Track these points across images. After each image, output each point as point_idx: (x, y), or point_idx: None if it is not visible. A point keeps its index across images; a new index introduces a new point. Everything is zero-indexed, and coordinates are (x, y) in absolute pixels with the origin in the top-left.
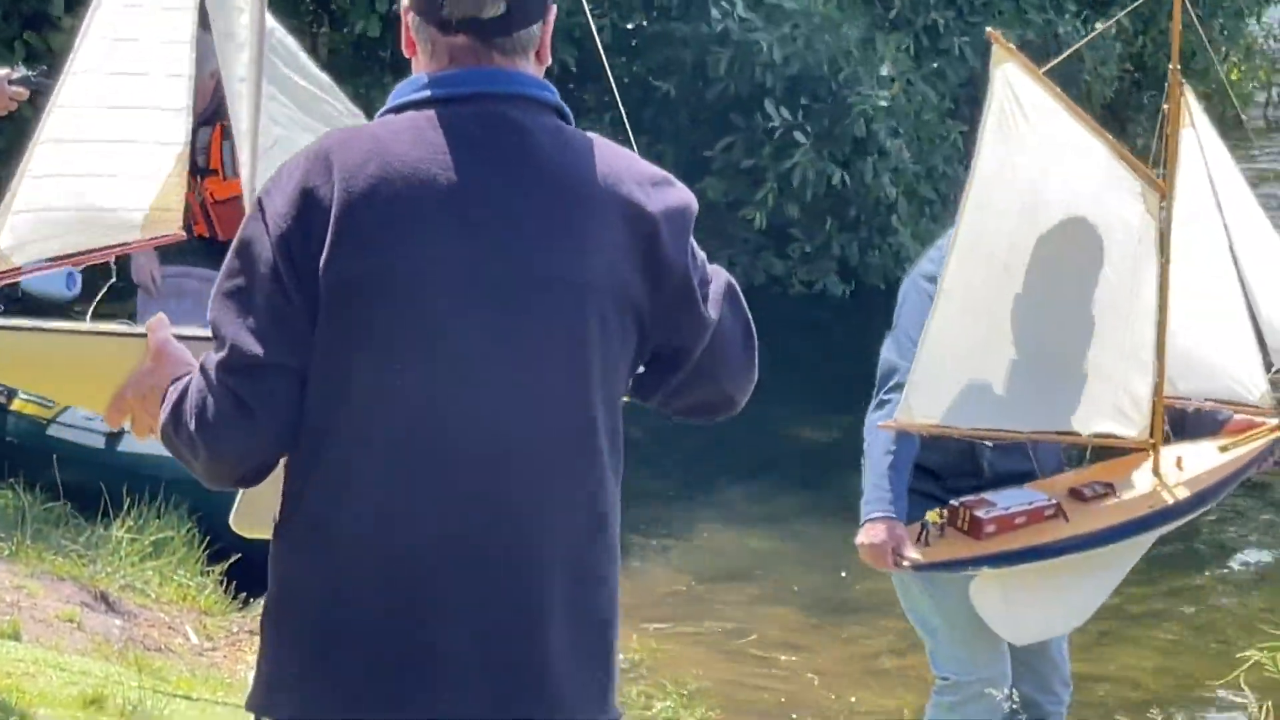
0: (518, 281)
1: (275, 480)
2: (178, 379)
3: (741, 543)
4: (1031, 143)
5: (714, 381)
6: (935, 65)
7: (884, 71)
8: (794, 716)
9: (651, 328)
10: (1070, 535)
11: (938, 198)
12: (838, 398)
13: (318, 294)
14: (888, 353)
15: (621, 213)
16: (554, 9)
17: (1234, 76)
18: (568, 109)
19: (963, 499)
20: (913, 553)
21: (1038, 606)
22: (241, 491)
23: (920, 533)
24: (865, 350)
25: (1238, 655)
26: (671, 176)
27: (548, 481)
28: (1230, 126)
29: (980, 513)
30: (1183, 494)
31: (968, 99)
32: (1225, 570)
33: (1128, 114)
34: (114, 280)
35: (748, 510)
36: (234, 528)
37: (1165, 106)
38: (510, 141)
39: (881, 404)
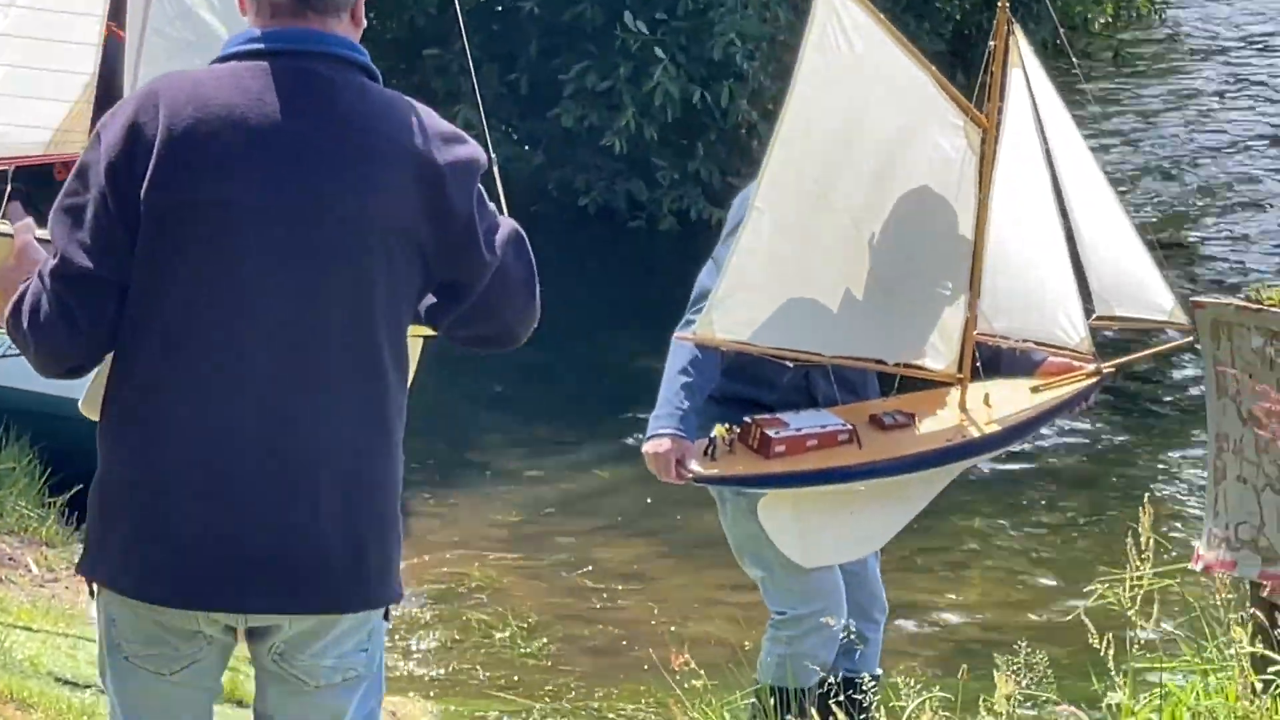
0: (311, 216)
1: None
2: (28, 279)
3: (580, 476)
4: (853, 69)
5: (496, 316)
6: None
7: None
8: (628, 645)
9: (435, 263)
10: (861, 462)
11: None
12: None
13: (139, 217)
14: (704, 275)
15: (411, 162)
16: None
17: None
18: (375, 69)
19: (756, 416)
20: (696, 465)
21: (829, 531)
22: (93, 375)
23: (708, 447)
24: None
25: (1084, 589)
26: (464, 134)
27: (333, 392)
28: (1078, 59)
29: (771, 431)
30: (984, 431)
31: None
32: (1071, 504)
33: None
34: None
35: (589, 443)
36: (82, 410)
37: (993, 43)
38: (315, 93)
39: (688, 322)
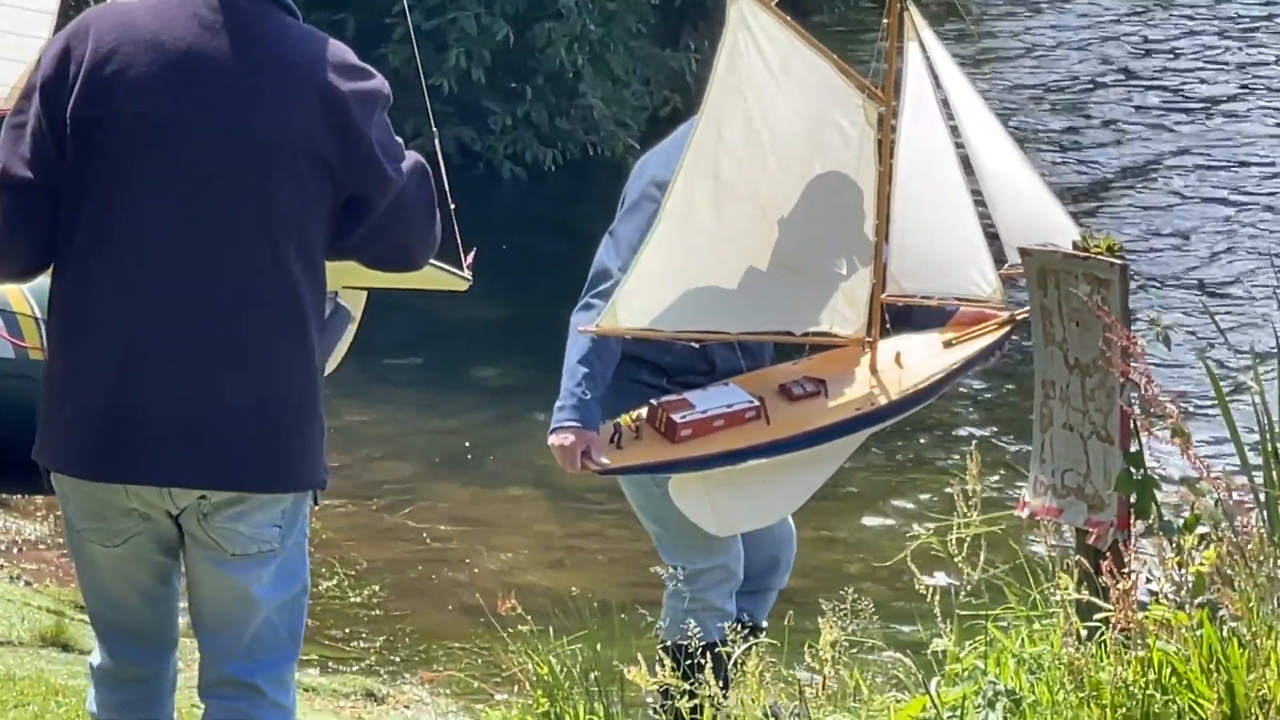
0: (220, 132)
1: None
2: None
3: (407, 418)
4: (762, 71)
5: (396, 238)
6: None
7: None
8: (458, 591)
9: (341, 179)
10: (768, 440)
11: (625, 75)
12: (526, 275)
13: (67, 132)
14: (604, 254)
15: (318, 89)
16: None
17: None
18: (293, 6)
19: (662, 399)
20: (602, 457)
21: (744, 501)
22: None
23: (614, 435)
24: (548, 223)
25: (906, 536)
26: (371, 70)
27: (242, 289)
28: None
29: (676, 415)
30: (892, 397)
31: None
32: (906, 450)
33: None
34: None
35: (415, 386)
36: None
37: (886, 20)
38: (232, 23)
39: (588, 306)
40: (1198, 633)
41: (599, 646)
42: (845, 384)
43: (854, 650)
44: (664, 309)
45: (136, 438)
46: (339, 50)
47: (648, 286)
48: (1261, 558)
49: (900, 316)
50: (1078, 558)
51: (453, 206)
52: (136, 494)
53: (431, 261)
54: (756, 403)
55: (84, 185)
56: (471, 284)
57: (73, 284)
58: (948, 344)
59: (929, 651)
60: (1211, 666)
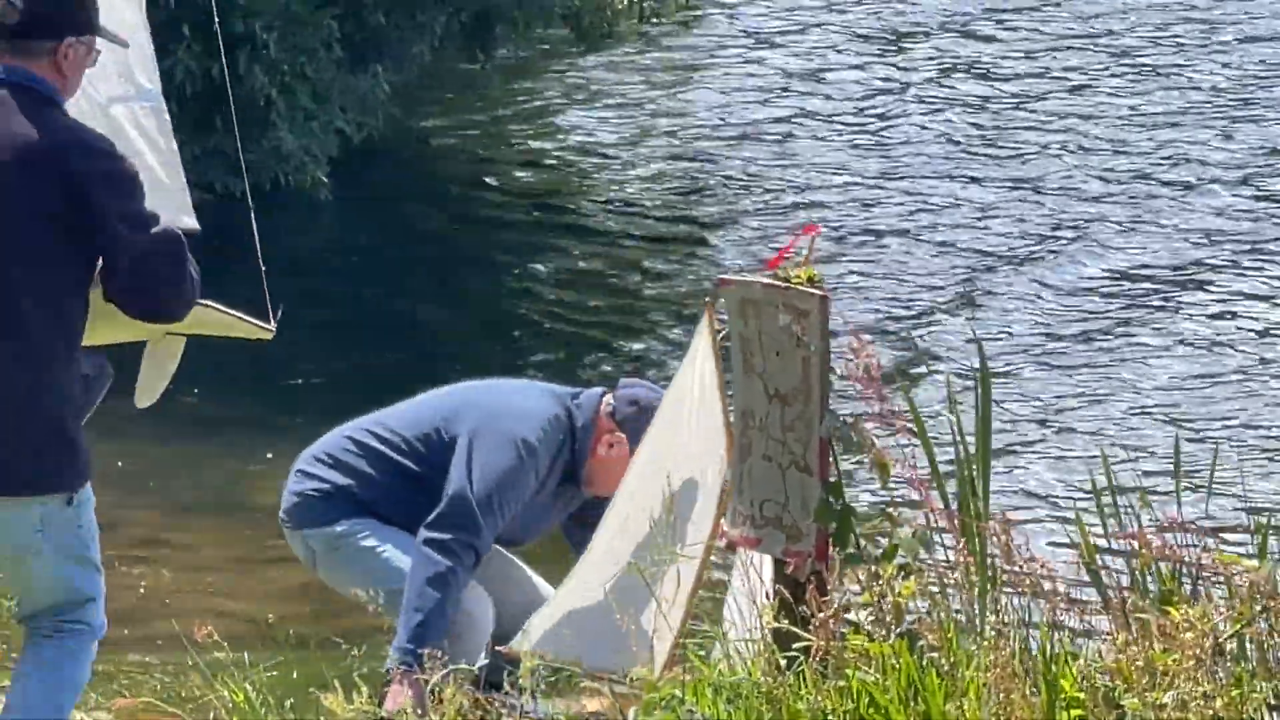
0: None
1: (150, 357)
2: None
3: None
4: (688, 413)
5: (148, 293)
6: None
7: None
8: (152, 615)
9: (82, 242)
10: None
11: (315, 105)
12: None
13: None
14: (465, 489)
15: (60, 166)
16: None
17: None
18: (59, 98)
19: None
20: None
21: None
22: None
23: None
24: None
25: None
26: (115, 151)
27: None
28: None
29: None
30: None
31: None
32: None
33: None
34: None
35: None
36: (139, 406)
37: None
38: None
39: (445, 546)
40: (896, 662)
41: (294, 674)
42: None
43: (553, 679)
44: (563, 636)
45: None
46: (86, 136)
47: (563, 616)
48: (963, 587)
49: None
50: (778, 587)
51: (263, 269)
52: None
53: (234, 313)
54: None
55: None
56: (274, 334)
57: None
58: None
59: (628, 679)
60: (910, 696)
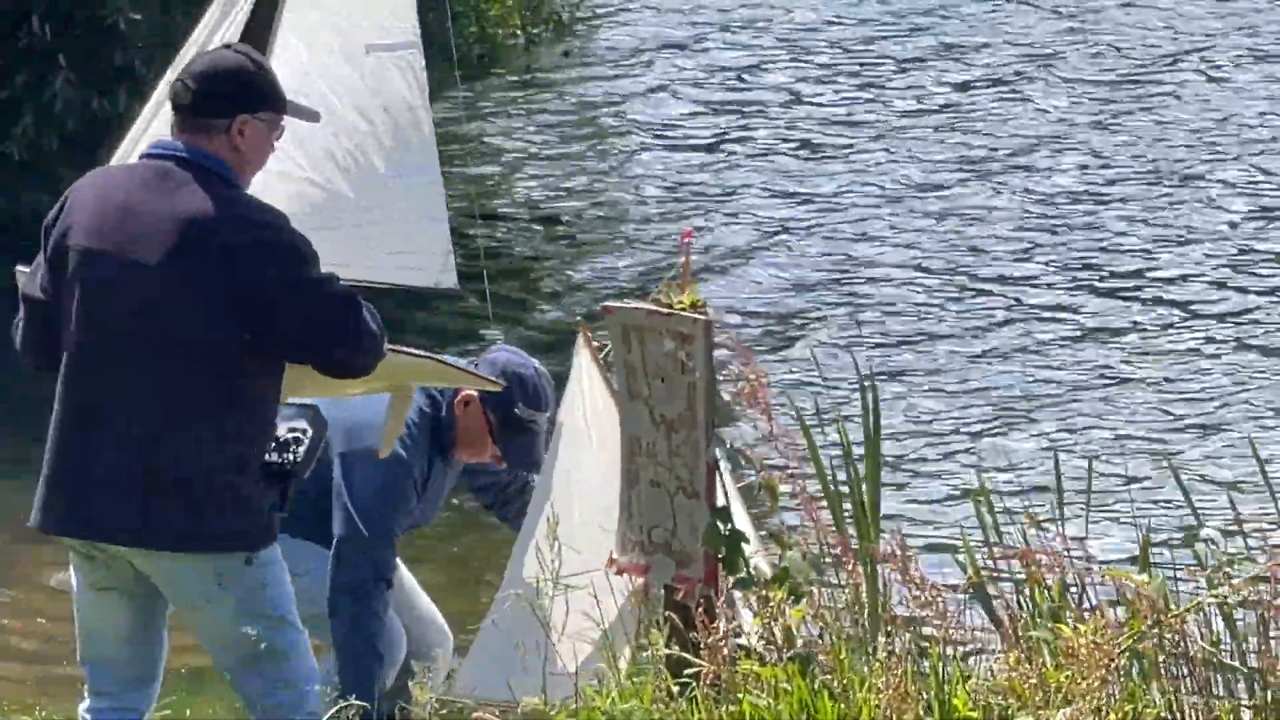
0: (123, 267)
1: (389, 407)
2: None
3: None
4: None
5: (321, 350)
6: None
7: None
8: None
9: (241, 309)
10: None
11: None
12: None
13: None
14: (354, 530)
15: (216, 239)
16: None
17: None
18: (229, 174)
19: None
20: None
21: None
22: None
23: None
24: None
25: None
26: (276, 222)
27: (125, 384)
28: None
29: None
30: None
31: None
32: None
33: None
34: None
35: None
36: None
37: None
38: (161, 184)
39: (354, 590)
40: (789, 685)
41: (188, 712)
42: None
43: (444, 712)
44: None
45: (58, 498)
46: (248, 211)
47: (490, 652)
48: (855, 609)
49: None
50: (668, 614)
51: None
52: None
53: (463, 366)
54: None
55: (57, 301)
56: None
57: (60, 370)
58: None
59: (519, 710)
60: (803, 719)
